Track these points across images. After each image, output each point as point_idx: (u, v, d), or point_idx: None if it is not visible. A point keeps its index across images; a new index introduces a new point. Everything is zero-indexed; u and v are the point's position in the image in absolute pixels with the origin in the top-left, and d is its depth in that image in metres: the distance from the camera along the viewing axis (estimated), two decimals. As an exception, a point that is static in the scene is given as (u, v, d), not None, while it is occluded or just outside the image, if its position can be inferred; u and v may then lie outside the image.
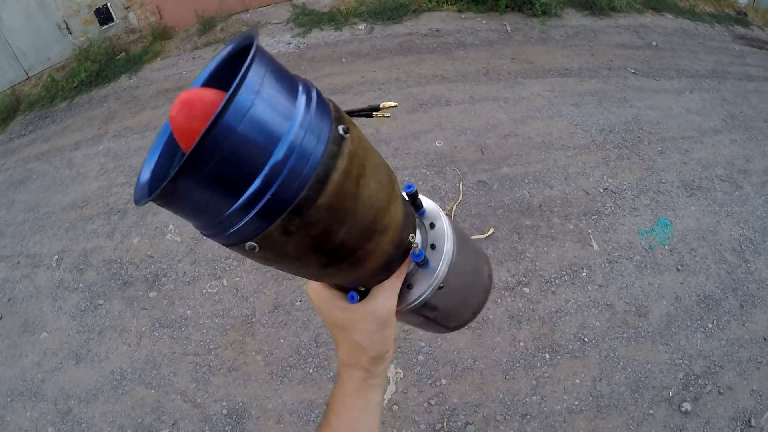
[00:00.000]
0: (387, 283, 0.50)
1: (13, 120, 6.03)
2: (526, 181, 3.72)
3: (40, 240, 4.05)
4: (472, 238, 3.35)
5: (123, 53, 6.44)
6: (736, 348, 2.79)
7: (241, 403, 2.71)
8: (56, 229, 4.09)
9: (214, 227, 0.36)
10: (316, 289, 0.53)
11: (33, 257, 3.91)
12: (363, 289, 0.52)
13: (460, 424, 2.47)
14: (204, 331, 3.07)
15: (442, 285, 0.52)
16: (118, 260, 3.61)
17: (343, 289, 0.53)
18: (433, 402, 2.56)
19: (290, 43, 5.83)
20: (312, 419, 2.57)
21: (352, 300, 0.51)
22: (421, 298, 0.52)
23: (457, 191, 3.65)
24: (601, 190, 3.66)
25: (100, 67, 6.13)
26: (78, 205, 4.25)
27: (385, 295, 0.50)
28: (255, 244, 0.36)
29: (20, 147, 5.43)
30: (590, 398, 2.54)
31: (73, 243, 3.89)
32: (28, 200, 4.54)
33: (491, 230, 3.36)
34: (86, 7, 6.42)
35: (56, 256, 3.83)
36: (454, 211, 3.50)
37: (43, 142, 5.35)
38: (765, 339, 2.87)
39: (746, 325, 2.91)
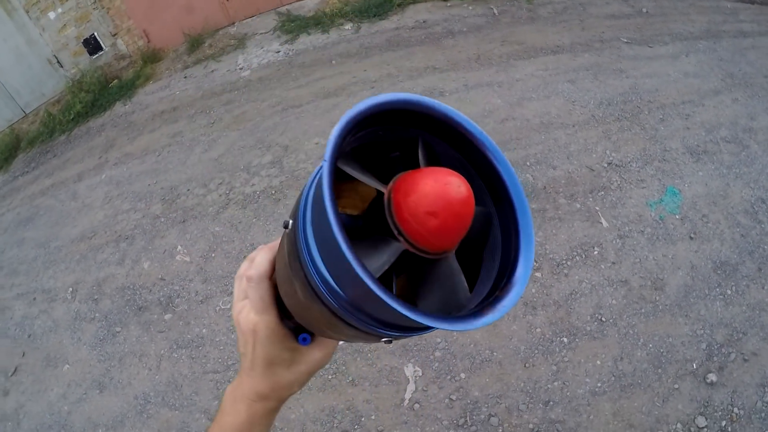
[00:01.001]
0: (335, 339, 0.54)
1: (15, 158, 6.11)
2: (528, 164, 3.68)
3: (53, 274, 4.10)
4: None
5: (115, 80, 6.49)
6: (758, 312, 2.73)
7: (264, 417, 2.72)
8: (68, 262, 4.14)
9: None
10: (271, 326, 0.50)
11: (48, 292, 3.96)
12: (311, 333, 0.52)
13: (483, 416, 2.45)
14: (221, 348, 3.09)
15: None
16: (131, 286, 3.64)
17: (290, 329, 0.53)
18: (454, 397, 2.54)
19: (279, 51, 5.83)
20: (335, 426, 2.57)
21: (303, 342, 0.51)
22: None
23: (459, 183, 3.61)
24: (606, 165, 3.60)
25: (94, 96, 6.18)
26: (86, 236, 4.30)
27: (333, 347, 0.55)
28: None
29: (25, 184, 5.50)
30: (613, 378, 2.50)
31: (86, 274, 3.93)
32: (38, 236, 4.60)
33: (497, 218, 3.32)
34: (74, 39, 6.47)
35: (71, 289, 3.87)
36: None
37: (47, 177, 5.41)
38: (787, 300, 2.81)
39: (766, 287, 2.85)
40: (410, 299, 0.39)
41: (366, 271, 0.32)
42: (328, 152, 0.34)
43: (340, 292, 0.36)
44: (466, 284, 0.38)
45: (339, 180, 0.38)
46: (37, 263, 4.31)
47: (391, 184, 0.36)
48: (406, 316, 0.32)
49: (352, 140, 0.39)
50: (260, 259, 0.51)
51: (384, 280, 0.35)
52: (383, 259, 0.35)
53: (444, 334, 2.79)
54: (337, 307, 0.37)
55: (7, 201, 5.38)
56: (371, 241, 0.36)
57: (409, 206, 0.33)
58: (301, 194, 0.40)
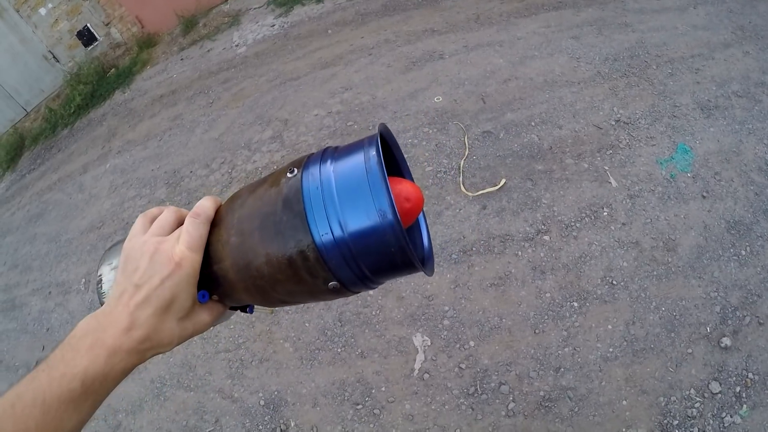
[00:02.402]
0: (222, 308, 0.53)
1: (21, 157, 6.15)
2: (532, 124, 3.57)
3: (66, 267, 4.16)
4: (484, 191, 3.26)
5: (113, 69, 6.43)
6: (774, 273, 2.63)
7: (276, 392, 2.75)
8: (79, 254, 4.19)
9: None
10: (195, 266, 0.47)
11: (62, 285, 4.02)
12: (215, 297, 0.52)
13: (493, 385, 2.44)
14: (231, 327, 3.11)
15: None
16: (140, 273, 3.67)
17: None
18: (463, 366, 2.53)
19: (274, 25, 5.70)
20: (346, 398, 2.58)
21: (202, 299, 0.50)
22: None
23: (463, 146, 3.53)
24: (613, 123, 3.48)
25: (93, 87, 6.16)
26: (95, 226, 4.34)
27: (218, 316, 0.53)
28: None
29: (32, 181, 5.55)
30: (625, 343, 2.45)
31: (97, 264, 3.97)
32: (49, 231, 4.66)
33: (503, 181, 3.25)
34: (67, 32, 6.41)
35: (83, 280, 3.93)
36: (462, 167, 3.39)
37: (53, 172, 5.45)
38: (804, 258, 2.70)
39: (783, 246, 2.74)
40: None
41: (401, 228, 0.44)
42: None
43: (359, 252, 0.45)
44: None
45: None
46: (49, 258, 4.37)
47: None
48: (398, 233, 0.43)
49: None
50: (207, 203, 0.51)
51: None
52: None
53: (452, 301, 2.77)
54: (330, 242, 0.45)
55: (17, 199, 5.44)
56: None
57: (394, 192, 0.48)
58: (308, 158, 0.51)
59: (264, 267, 0.47)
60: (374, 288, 0.51)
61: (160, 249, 0.47)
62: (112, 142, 5.28)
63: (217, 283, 0.50)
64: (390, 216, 0.43)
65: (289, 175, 0.48)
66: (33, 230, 4.80)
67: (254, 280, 0.48)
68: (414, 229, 0.61)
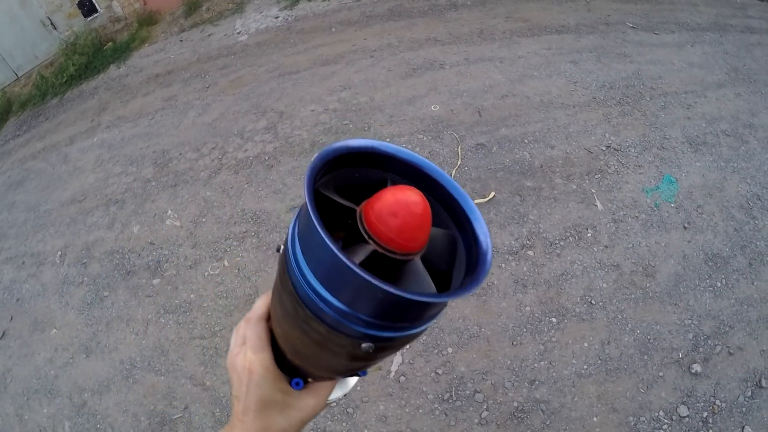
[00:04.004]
0: (329, 384, 0.55)
1: (7, 122, 5.99)
2: (525, 141, 3.63)
3: (42, 238, 4.06)
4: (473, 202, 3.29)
5: (110, 43, 6.33)
6: (746, 307, 2.73)
7: (250, 385, 2.72)
8: (57, 226, 4.09)
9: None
10: (266, 365, 0.51)
11: (37, 256, 3.92)
12: (309, 380, 0.55)
13: (468, 392, 2.46)
14: (209, 313, 3.08)
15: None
16: (120, 250, 3.61)
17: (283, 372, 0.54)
18: (440, 371, 2.55)
19: (278, 17, 5.69)
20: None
21: (296, 386, 0.53)
22: (333, 400, 0.60)
23: (456, 156, 3.57)
24: (604, 148, 3.56)
25: (88, 59, 6.04)
26: (77, 200, 4.24)
27: (326, 394, 0.55)
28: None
29: (16, 148, 5.41)
30: (599, 362, 2.51)
31: (75, 237, 3.89)
32: (28, 200, 4.54)
33: (492, 194, 3.30)
34: (68, 0, 6.29)
35: (59, 252, 3.84)
36: (454, 176, 3.43)
37: (38, 140, 5.32)
38: (775, 295, 2.81)
39: (755, 283, 2.84)
40: None
41: (345, 254, 0.37)
42: (309, 167, 0.43)
43: (327, 293, 0.41)
44: (432, 284, 0.44)
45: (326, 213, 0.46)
46: (26, 227, 4.26)
47: (362, 203, 0.43)
48: (385, 290, 0.37)
49: (330, 178, 0.48)
50: (258, 303, 0.55)
51: None
52: (356, 257, 0.40)
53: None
54: (323, 310, 0.41)
55: (-2, 164, 5.30)
56: (347, 249, 0.42)
57: (375, 212, 0.40)
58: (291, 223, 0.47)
59: (301, 348, 0.48)
60: (411, 331, 0.44)
61: (236, 361, 0.53)
62: (102, 116, 5.18)
63: (300, 369, 0.53)
64: (329, 252, 0.37)
65: (280, 251, 0.47)
66: (12, 197, 4.67)
67: (305, 360, 0.50)
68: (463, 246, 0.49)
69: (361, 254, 0.40)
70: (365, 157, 0.49)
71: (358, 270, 0.36)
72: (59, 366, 3.13)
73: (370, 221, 0.41)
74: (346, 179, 0.49)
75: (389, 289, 0.37)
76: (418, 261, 0.44)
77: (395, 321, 0.42)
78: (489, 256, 0.45)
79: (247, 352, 0.52)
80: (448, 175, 0.49)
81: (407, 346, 2.58)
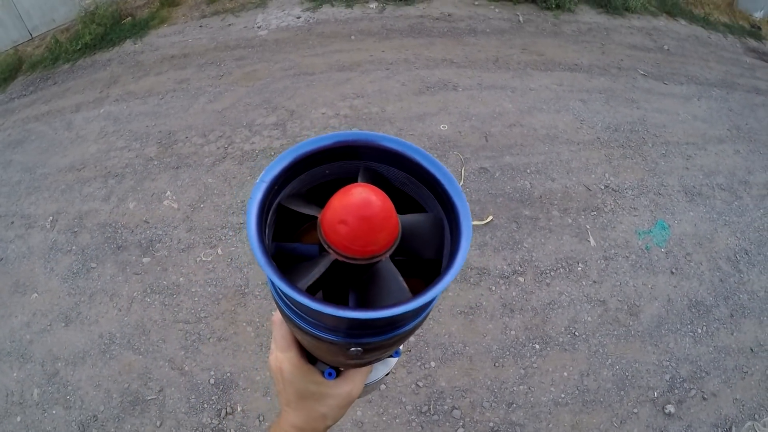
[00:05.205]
0: (363, 370, 0.58)
1: (15, 80, 5.93)
2: (528, 171, 3.71)
3: (35, 201, 4.01)
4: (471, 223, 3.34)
5: (129, 18, 6.33)
6: (723, 356, 2.81)
7: (228, 374, 2.71)
8: (52, 191, 4.05)
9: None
10: (294, 362, 0.55)
11: (27, 218, 3.87)
12: (341, 369, 0.57)
13: (446, 407, 2.48)
14: (196, 299, 3.06)
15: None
16: (113, 224, 3.58)
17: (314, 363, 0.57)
18: (421, 384, 2.57)
19: (299, 17, 5.75)
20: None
21: (329, 377, 0.55)
22: (374, 381, 0.63)
23: (459, 176, 3.63)
24: (602, 187, 3.65)
25: (105, 30, 6.02)
26: (75, 168, 4.21)
27: (360, 379, 0.58)
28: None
29: (20, 107, 5.35)
30: (577, 392, 2.55)
31: (69, 205, 3.86)
32: (26, 161, 4.49)
33: (490, 217, 3.35)
34: (94, -32, 6.29)
35: (51, 218, 3.79)
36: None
37: (44, 103, 5.27)
38: (752, 350, 2.89)
39: (735, 334, 2.93)
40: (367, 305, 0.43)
41: (292, 286, 0.37)
42: (253, 190, 0.43)
43: (296, 318, 0.43)
44: (404, 284, 0.41)
45: (301, 220, 0.48)
46: (20, 187, 4.21)
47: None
48: (312, 308, 0.37)
49: (301, 182, 0.47)
50: None
51: (339, 295, 0.46)
52: (315, 270, 0.40)
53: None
54: (302, 325, 0.43)
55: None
56: (312, 260, 0.41)
57: (327, 220, 0.39)
58: None
59: (308, 347, 0.52)
60: (394, 333, 0.43)
61: (271, 361, 0.58)
62: (112, 88, 5.16)
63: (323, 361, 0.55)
64: (280, 285, 0.38)
65: None
66: (9, 156, 4.62)
67: (316, 352, 0.53)
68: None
69: (322, 265, 0.40)
70: (338, 151, 0.47)
71: (305, 300, 0.36)
72: (35, 331, 3.08)
73: (325, 231, 0.40)
74: (320, 177, 0.49)
75: (337, 314, 0.36)
76: (386, 262, 0.41)
77: (367, 330, 0.42)
78: (466, 244, 0.41)
79: (276, 352, 0.56)
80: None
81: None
